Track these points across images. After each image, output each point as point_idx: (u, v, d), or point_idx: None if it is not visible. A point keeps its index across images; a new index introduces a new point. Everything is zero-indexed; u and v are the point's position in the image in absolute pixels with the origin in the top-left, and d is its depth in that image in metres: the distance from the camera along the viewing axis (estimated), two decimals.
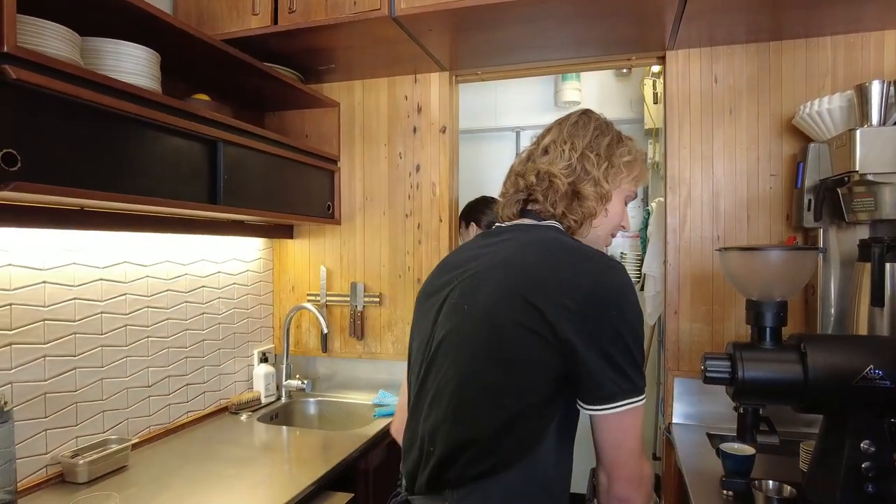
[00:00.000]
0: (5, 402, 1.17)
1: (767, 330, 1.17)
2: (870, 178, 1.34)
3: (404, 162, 2.14)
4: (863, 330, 1.38)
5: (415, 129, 2.12)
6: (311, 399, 2.16)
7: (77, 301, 1.43)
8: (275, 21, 1.71)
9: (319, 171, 2.01)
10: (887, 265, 1.30)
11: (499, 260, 0.94)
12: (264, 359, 2.17)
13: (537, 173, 1.00)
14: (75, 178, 1.06)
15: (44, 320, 1.35)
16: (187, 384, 1.81)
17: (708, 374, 1.15)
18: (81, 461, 1.35)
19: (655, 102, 2.61)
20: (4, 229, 1.25)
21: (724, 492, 1.25)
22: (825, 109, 1.55)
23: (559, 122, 1.06)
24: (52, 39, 1.07)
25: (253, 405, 2.00)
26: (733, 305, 1.79)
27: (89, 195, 1.09)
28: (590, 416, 0.86)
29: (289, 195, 1.81)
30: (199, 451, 1.58)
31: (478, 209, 2.20)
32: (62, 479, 1.36)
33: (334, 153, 2.12)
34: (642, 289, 2.44)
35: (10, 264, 1.28)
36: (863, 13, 1.57)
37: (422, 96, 2.11)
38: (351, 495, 1.47)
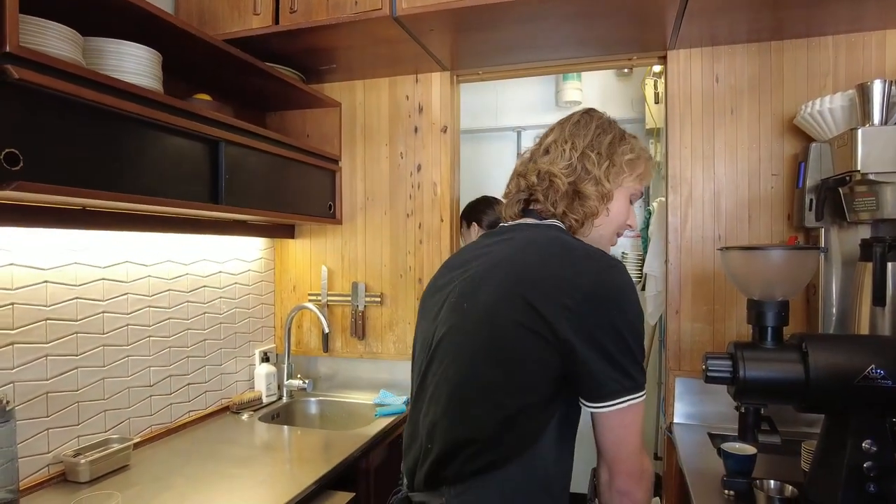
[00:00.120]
0: (7, 402, 1.18)
1: (769, 329, 1.16)
2: (871, 177, 1.34)
3: (405, 162, 2.14)
4: (864, 330, 1.38)
5: (416, 129, 2.12)
6: (313, 399, 2.16)
7: (79, 301, 1.44)
8: (276, 21, 1.72)
9: (321, 171, 2.02)
10: (889, 265, 1.30)
11: (499, 259, 0.95)
12: (266, 358, 2.17)
13: (538, 173, 1.01)
14: (77, 177, 1.06)
15: (46, 320, 1.35)
16: (189, 384, 1.81)
17: (709, 374, 1.15)
18: (83, 460, 1.35)
19: (657, 102, 2.61)
20: (7, 229, 1.26)
21: (726, 491, 1.25)
22: (826, 109, 1.55)
23: (561, 122, 1.07)
24: (55, 39, 1.07)
25: (254, 405, 2.00)
26: (734, 305, 1.79)
27: (91, 195, 1.09)
28: (591, 413, 0.87)
29: (290, 195, 1.81)
30: (201, 451, 1.58)
31: (479, 209, 2.20)
32: (64, 479, 1.36)
33: (335, 153, 2.12)
34: (643, 288, 2.44)
35: (12, 264, 1.28)
36: (864, 13, 1.57)
37: (423, 96, 2.11)
38: (352, 495, 1.47)
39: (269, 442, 1.70)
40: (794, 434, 1.54)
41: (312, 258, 2.25)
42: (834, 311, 1.56)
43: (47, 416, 1.36)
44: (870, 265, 1.32)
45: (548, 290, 0.85)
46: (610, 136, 1.02)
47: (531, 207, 1.03)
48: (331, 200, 2.10)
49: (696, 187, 1.83)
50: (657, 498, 2.03)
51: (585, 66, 2.04)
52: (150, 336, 1.65)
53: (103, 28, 1.26)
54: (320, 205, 2.02)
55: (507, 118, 3.20)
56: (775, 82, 1.76)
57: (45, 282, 1.35)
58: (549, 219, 1.01)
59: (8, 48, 0.92)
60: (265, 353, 2.17)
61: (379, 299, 2.16)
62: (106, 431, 1.51)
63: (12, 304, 1.28)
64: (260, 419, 1.90)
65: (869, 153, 1.34)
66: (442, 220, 2.10)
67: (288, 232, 2.25)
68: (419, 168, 2.12)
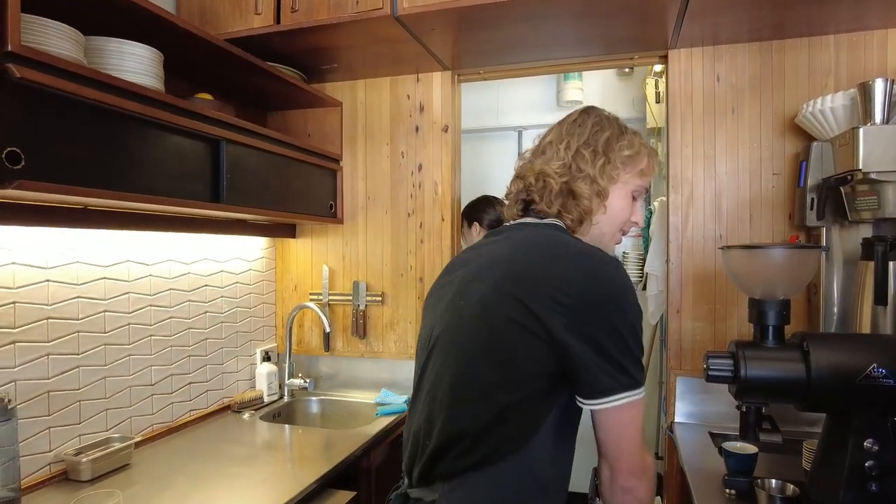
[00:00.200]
0: (9, 401, 1.18)
1: (770, 328, 1.16)
2: (873, 176, 1.34)
3: (406, 161, 2.14)
4: (866, 329, 1.37)
5: (417, 129, 2.12)
6: (314, 398, 2.16)
7: (80, 299, 1.44)
8: (277, 20, 1.72)
9: (322, 171, 2.02)
10: (890, 263, 1.30)
11: (495, 258, 0.95)
12: (267, 357, 2.17)
13: (535, 174, 1.02)
14: (78, 176, 1.07)
15: (47, 318, 1.36)
16: (190, 383, 1.81)
17: (710, 373, 1.15)
18: (84, 459, 1.35)
19: (658, 101, 2.61)
20: (8, 227, 1.26)
21: (727, 491, 1.25)
22: (828, 108, 1.54)
23: (560, 122, 1.08)
24: (56, 38, 1.08)
25: (255, 404, 2.01)
26: (736, 304, 1.79)
27: (92, 194, 1.10)
28: (590, 411, 0.87)
29: (291, 194, 1.81)
30: (202, 450, 1.59)
31: (479, 208, 2.21)
32: (65, 477, 1.37)
33: (337, 152, 2.12)
34: (644, 288, 2.44)
35: (13, 262, 1.28)
36: (866, 12, 1.56)
37: (424, 95, 2.11)
38: (353, 493, 1.47)
39: (270, 441, 1.71)
40: (795, 433, 1.54)
41: (314, 257, 2.25)
42: (835, 310, 1.55)
43: (49, 415, 1.36)
44: (871, 264, 1.32)
45: (541, 287, 0.85)
46: (608, 133, 1.02)
47: (532, 207, 1.04)
48: (332, 200, 2.10)
49: (698, 186, 1.83)
50: (658, 497, 2.03)
51: (587, 65, 2.04)
52: (151, 335, 1.65)
53: (105, 27, 1.26)
54: (321, 204, 2.02)
55: (509, 118, 3.19)
56: (776, 81, 1.76)
57: (47, 281, 1.36)
58: (547, 218, 1.01)
59: (10, 47, 0.92)
60: (266, 353, 2.18)
61: (380, 298, 2.16)
62: (107, 430, 1.51)
63: (14, 302, 1.28)
64: (261, 418, 1.90)
65: (870, 152, 1.33)
66: (443, 220, 2.10)
67: (289, 231, 2.25)
68: (420, 167, 2.12)
